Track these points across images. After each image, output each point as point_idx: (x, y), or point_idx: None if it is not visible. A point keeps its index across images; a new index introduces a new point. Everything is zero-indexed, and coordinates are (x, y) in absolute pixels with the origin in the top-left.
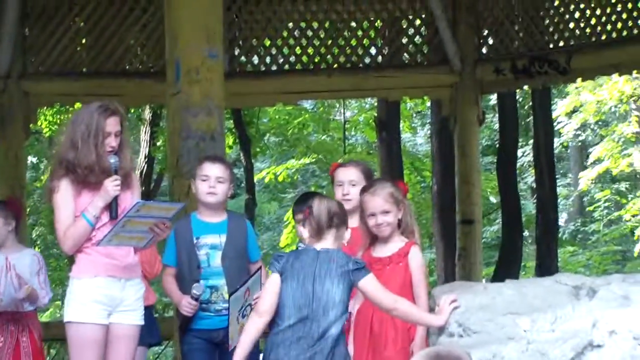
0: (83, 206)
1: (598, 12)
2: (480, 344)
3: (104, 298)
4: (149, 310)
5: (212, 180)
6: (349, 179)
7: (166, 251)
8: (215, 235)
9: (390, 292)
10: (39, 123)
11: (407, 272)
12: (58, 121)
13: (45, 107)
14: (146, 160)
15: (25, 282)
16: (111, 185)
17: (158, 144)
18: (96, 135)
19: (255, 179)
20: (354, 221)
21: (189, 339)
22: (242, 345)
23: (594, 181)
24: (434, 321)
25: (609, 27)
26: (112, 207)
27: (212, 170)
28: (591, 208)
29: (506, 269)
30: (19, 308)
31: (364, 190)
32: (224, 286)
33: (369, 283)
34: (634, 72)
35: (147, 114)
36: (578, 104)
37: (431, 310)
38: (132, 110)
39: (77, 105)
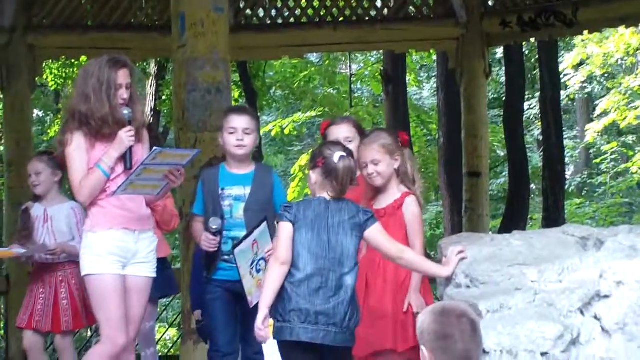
0: (97, 158)
1: None
2: (488, 294)
3: (119, 250)
4: (161, 262)
5: (239, 133)
6: (345, 135)
7: (196, 201)
8: (240, 186)
9: (396, 242)
10: (44, 76)
11: (402, 223)
12: (64, 74)
13: (50, 61)
14: (152, 113)
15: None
16: (126, 135)
17: (163, 97)
18: (108, 88)
19: (262, 132)
20: None
21: (211, 289)
22: (267, 294)
23: (600, 134)
24: (441, 272)
25: None
26: (126, 158)
27: (239, 122)
28: (598, 161)
29: (513, 221)
30: (54, 260)
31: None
32: None
33: (375, 232)
34: None
35: (152, 67)
36: (584, 56)
37: (438, 261)
38: (138, 64)
39: (83, 58)
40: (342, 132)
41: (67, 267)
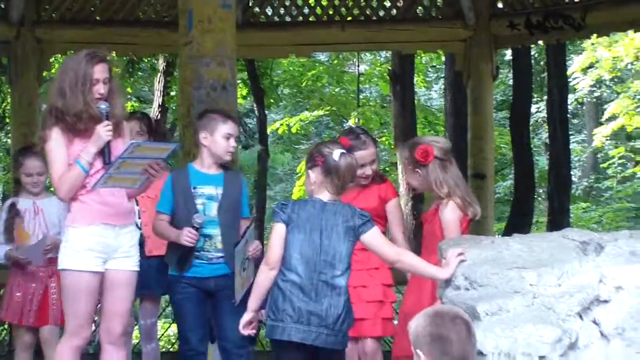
0: (75, 154)
1: None
2: (487, 297)
3: (99, 246)
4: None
5: (233, 140)
6: (371, 159)
7: (161, 199)
8: (212, 186)
9: (393, 245)
10: (52, 71)
11: (440, 228)
12: None
13: (58, 55)
14: (160, 109)
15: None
16: (103, 130)
17: (172, 93)
18: (84, 83)
19: (269, 130)
20: None
21: (180, 288)
22: (256, 296)
23: (608, 138)
24: (439, 274)
25: None
26: (104, 152)
27: (235, 129)
28: (605, 165)
29: (518, 224)
30: (44, 260)
31: None
32: (217, 236)
33: (372, 236)
34: None
35: (161, 63)
36: (594, 60)
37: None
38: (146, 60)
39: None
40: (369, 155)
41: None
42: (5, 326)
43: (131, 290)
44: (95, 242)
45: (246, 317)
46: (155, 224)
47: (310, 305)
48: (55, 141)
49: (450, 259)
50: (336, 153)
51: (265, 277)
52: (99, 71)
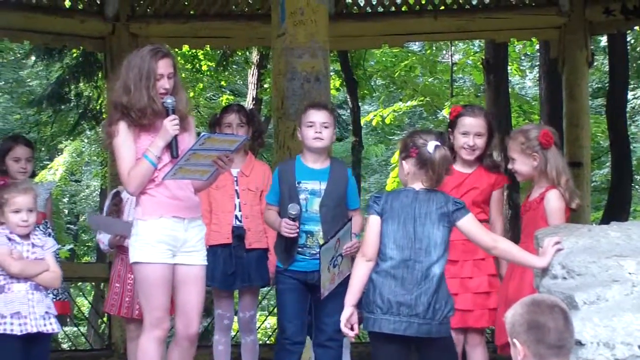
0: (142, 149)
1: None
2: (584, 286)
3: (169, 238)
4: (263, 252)
5: (317, 126)
6: (477, 131)
7: (270, 190)
8: (316, 181)
9: (489, 232)
10: None
11: (544, 217)
12: None
13: None
14: (254, 102)
15: None
16: (170, 124)
17: (265, 86)
18: (148, 78)
19: (362, 121)
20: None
21: (284, 279)
22: (353, 291)
23: None
24: (536, 262)
25: None
26: (172, 146)
27: (317, 117)
28: None
29: (615, 212)
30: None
31: None
32: (319, 232)
33: (467, 223)
34: None
35: (254, 56)
36: None
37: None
38: (240, 53)
39: (185, 47)
40: (476, 126)
41: None
42: (105, 319)
43: (202, 285)
44: (166, 234)
45: (346, 313)
46: (265, 214)
47: (399, 295)
48: (124, 137)
49: (547, 248)
50: (431, 145)
51: (361, 270)
52: (163, 66)
